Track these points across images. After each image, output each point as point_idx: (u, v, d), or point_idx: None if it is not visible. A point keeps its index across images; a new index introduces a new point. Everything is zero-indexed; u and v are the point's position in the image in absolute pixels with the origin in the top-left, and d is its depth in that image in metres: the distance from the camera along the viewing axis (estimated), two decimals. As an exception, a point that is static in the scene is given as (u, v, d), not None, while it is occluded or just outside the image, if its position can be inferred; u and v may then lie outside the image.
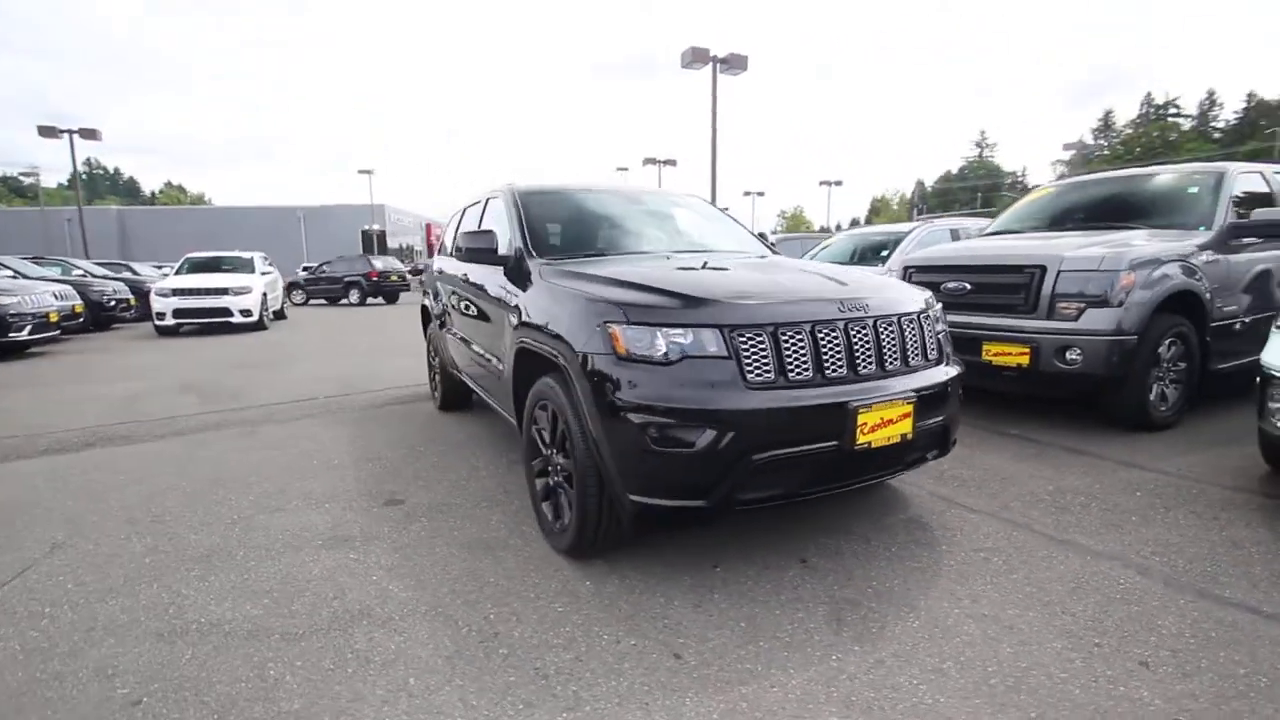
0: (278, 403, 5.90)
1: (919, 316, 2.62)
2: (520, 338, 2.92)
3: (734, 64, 15.89)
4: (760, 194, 54.22)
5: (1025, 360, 4.27)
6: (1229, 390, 4.84)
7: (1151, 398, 4.25)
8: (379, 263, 23.84)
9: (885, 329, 2.46)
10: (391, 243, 42.89)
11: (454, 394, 5.18)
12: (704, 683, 1.89)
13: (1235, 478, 3.41)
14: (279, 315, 15.48)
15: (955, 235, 7.73)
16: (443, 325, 4.90)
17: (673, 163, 30.27)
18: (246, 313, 12.40)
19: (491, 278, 3.57)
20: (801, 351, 2.27)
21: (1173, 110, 73.19)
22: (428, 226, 44.98)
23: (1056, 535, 2.82)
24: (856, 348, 2.37)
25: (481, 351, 3.77)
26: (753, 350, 2.22)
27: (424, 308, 5.69)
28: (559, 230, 3.55)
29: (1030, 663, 1.96)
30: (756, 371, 2.21)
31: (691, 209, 4.27)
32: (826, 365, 2.30)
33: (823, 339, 2.31)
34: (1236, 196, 4.79)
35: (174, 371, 7.93)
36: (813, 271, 2.92)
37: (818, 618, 2.22)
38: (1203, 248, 4.45)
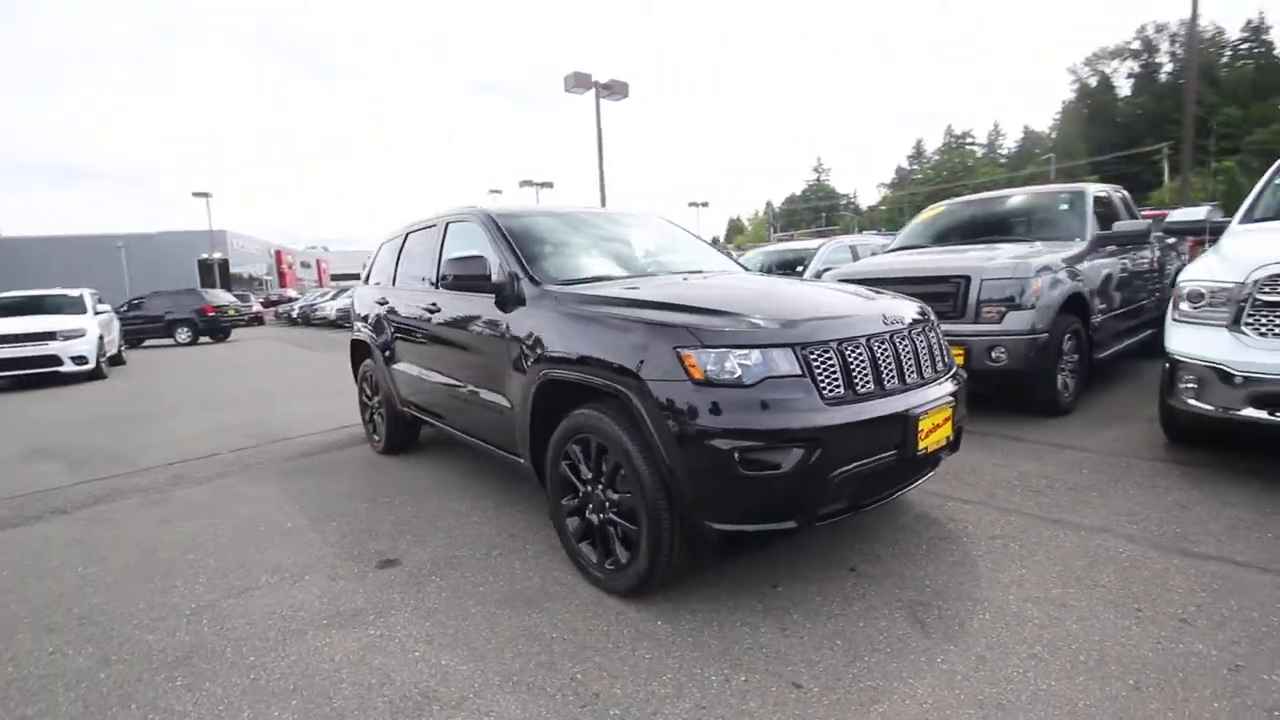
0: (176, 462, 5.05)
1: (933, 324, 2.82)
2: (544, 370, 2.74)
3: (616, 90, 16.27)
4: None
5: (960, 360, 4.72)
6: (1102, 376, 5.69)
7: (1059, 386, 4.88)
8: (214, 295, 21.46)
9: (918, 338, 2.61)
10: (237, 271, 38.60)
11: (401, 434, 4.74)
12: (838, 708, 1.86)
13: (1147, 450, 4.00)
14: (116, 360, 13.31)
15: (854, 250, 8.42)
16: (390, 360, 4.47)
17: (550, 185, 30.27)
18: (80, 360, 10.54)
19: (475, 307, 3.33)
20: (863, 365, 2.35)
21: (969, 140, 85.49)
22: (277, 254, 41.07)
23: (1047, 516, 3.13)
24: (903, 357, 2.49)
25: (462, 386, 3.49)
26: (824, 366, 2.26)
27: (356, 343, 5.17)
28: (549, 255, 3.40)
29: (1099, 634, 2.14)
30: (830, 387, 2.25)
31: (662, 229, 4.29)
32: (883, 377, 2.40)
33: (877, 351, 2.41)
34: (1096, 212, 5.69)
35: (10, 437, 6.53)
36: (835, 288, 3.04)
37: (900, 624, 2.28)
38: (1080, 256, 5.21)
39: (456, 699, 2.00)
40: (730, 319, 2.31)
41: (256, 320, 28.33)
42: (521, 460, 3.10)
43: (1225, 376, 3.32)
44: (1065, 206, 5.76)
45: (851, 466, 2.24)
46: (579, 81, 15.91)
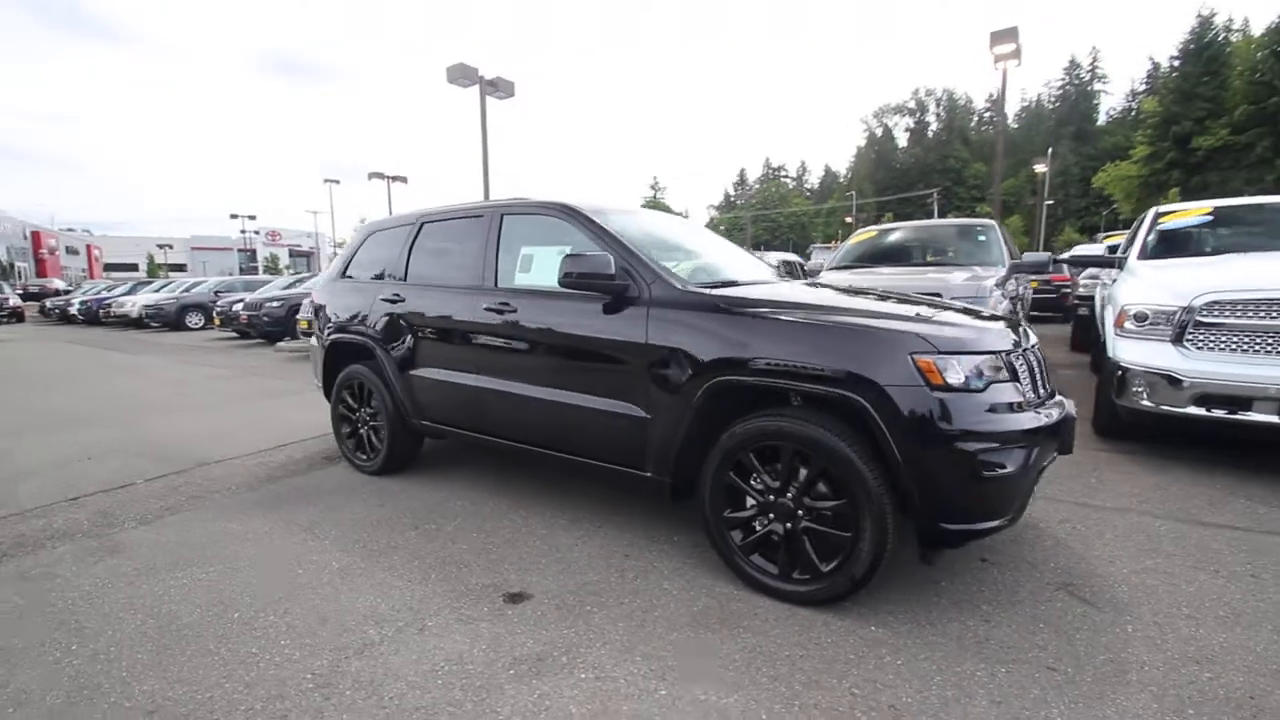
0: (80, 497, 3.89)
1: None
2: (716, 377, 2.61)
3: (502, 88, 15.65)
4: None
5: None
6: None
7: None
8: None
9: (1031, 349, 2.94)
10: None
11: (404, 451, 4.16)
12: (1099, 684, 2.04)
13: (1096, 442, 4.82)
14: None
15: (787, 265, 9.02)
16: (406, 367, 3.90)
17: (403, 179, 27.98)
18: None
19: (581, 310, 3.06)
20: (1026, 373, 2.59)
21: (783, 173, 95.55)
22: (35, 236, 33.01)
23: (1075, 501, 3.65)
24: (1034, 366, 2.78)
25: (557, 396, 3.15)
26: (1020, 373, 2.46)
27: (337, 348, 4.40)
28: (658, 255, 3.21)
29: (1213, 593, 2.57)
30: (1027, 392, 2.45)
31: (703, 232, 4.30)
32: (1038, 384, 2.66)
33: (1032, 360, 2.68)
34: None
35: None
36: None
37: (1073, 603, 2.53)
38: (1004, 280, 6.15)
39: (757, 733, 1.85)
40: (954, 327, 2.42)
41: (15, 316, 22.51)
42: (645, 473, 2.92)
43: (1173, 381, 4.14)
44: (982, 237, 6.77)
45: (1045, 464, 2.47)
46: (464, 74, 15.03)
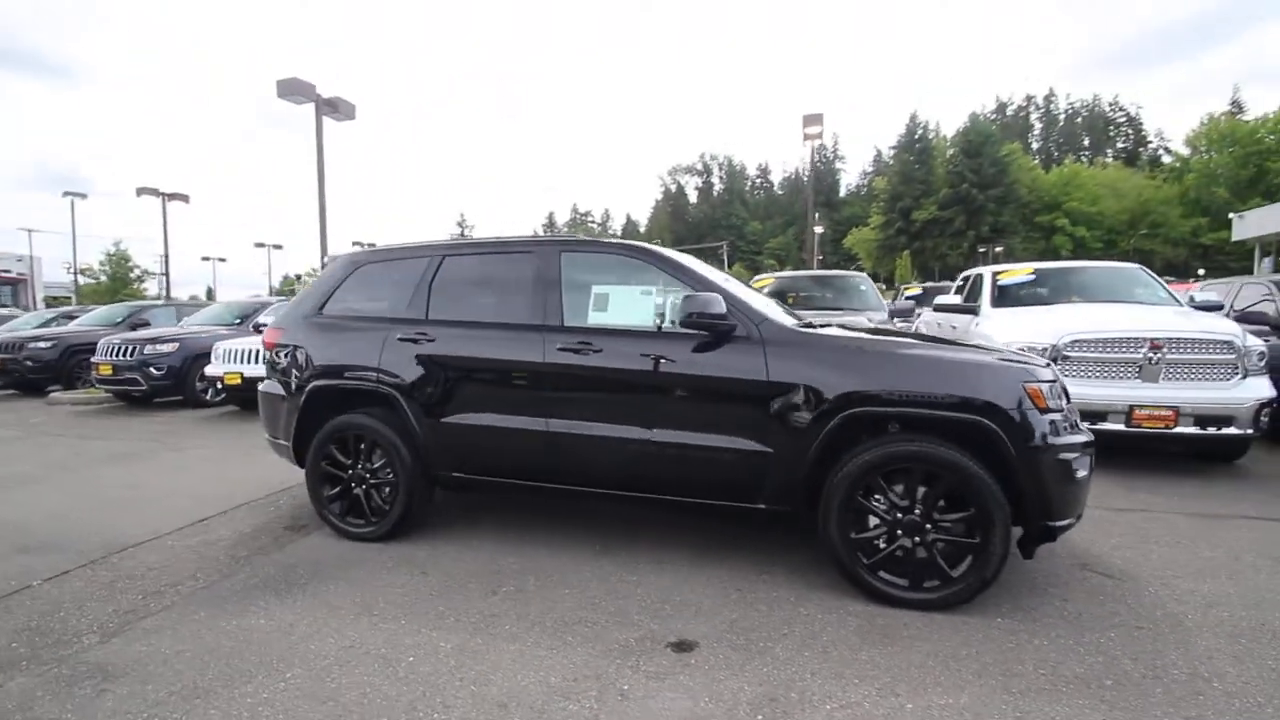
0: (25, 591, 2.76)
1: None
2: (850, 408, 2.83)
3: (342, 110, 14.34)
4: (278, 246, 48.73)
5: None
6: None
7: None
8: None
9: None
10: None
11: (419, 506, 3.67)
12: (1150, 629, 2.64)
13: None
14: None
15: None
16: (439, 414, 3.48)
17: (184, 198, 23.54)
18: None
19: (677, 349, 3.11)
20: (1058, 396, 3.25)
21: (589, 219, 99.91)
22: None
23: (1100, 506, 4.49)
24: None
25: (661, 436, 3.11)
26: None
27: (317, 393, 3.73)
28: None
29: (1201, 559, 3.38)
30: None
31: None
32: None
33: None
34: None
35: None
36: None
37: (1103, 576, 3.18)
38: (885, 322, 7.32)
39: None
40: (1032, 362, 2.95)
41: None
42: (756, 506, 3.03)
43: (1052, 402, 5.34)
44: (863, 287, 7.97)
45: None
46: (298, 89, 13.45)
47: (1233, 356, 4.94)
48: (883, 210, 63.04)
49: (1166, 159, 65.43)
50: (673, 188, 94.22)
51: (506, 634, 2.65)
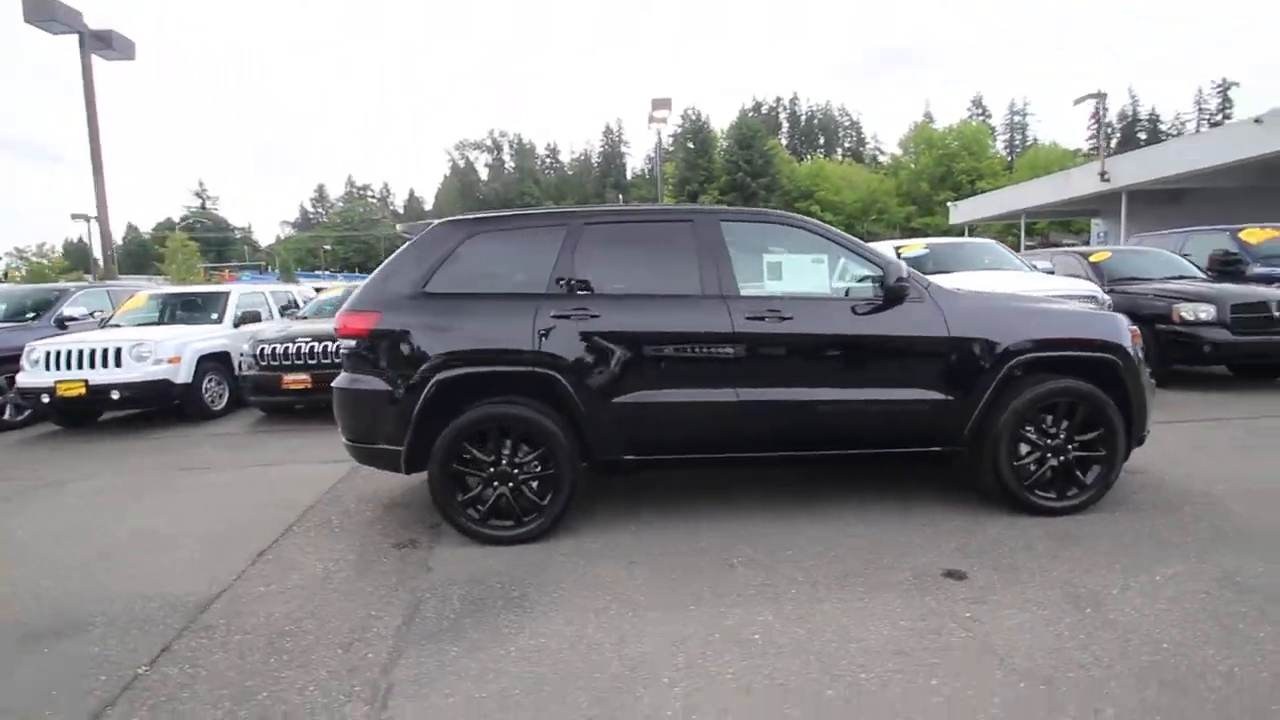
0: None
1: None
2: (1020, 355, 3.31)
3: (119, 48, 11.16)
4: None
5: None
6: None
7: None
8: None
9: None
10: None
11: (577, 493, 3.37)
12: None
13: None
14: None
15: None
16: (609, 394, 3.22)
17: None
18: None
19: (861, 314, 3.34)
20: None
21: (368, 193, 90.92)
22: None
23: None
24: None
25: (855, 396, 3.32)
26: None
27: (444, 384, 3.16)
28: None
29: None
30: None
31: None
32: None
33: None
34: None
35: None
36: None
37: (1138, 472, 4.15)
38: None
39: None
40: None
41: None
42: (935, 449, 3.42)
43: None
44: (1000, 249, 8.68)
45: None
46: (62, 16, 10.07)
47: (1095, 305, 6.57)
48: (673, 193, 67.40)
49: (882, 158, 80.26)
50: (461, 163, 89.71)
51: (800, 598, 2.67)
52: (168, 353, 6.65)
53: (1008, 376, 3.35)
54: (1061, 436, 3.43)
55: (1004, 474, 3.41)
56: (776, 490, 3.94)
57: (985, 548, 3.08)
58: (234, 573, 3.09)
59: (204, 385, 7.07)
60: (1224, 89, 69.50)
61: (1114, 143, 63.07)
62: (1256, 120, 15.83)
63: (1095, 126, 69.42)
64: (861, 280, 3.49)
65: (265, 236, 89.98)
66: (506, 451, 3.26)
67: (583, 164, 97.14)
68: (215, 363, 7.30)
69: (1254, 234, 8.65)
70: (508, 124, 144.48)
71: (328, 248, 68.24)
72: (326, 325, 6.99)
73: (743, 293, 3.38)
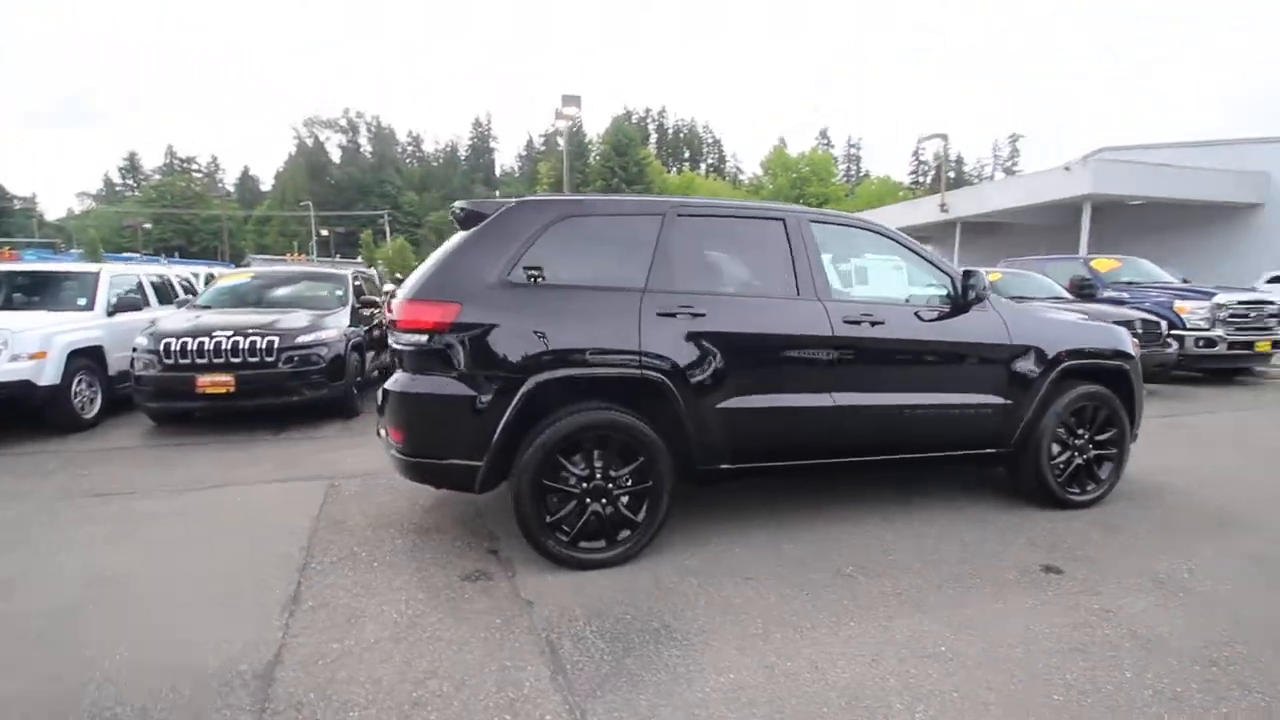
0: None
1: None
2: (1066, 361, 3.62)
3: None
4: None
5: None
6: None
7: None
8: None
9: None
10: None
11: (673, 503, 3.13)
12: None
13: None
14: None
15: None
16: (713, 399, 3.00)
17: None
18: None
19: (932, 320, 3.47)
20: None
21: (193, 166, 79.50)
22: None
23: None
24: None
25: (935, 400, 3.44)
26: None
27: (540, 388, 2.75)
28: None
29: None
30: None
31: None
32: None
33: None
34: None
35: None
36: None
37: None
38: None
39: None
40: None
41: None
42: (991, 450, 3.64)
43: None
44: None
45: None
46: None
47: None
48: (549, 190, 66.56)
49: (742, 177, 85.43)
50: (310, 142, 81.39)
51: (943, 603, 2.69)
52: (30, 346, 5.23)
53: (1055, 382, 3.65)
54: (1085, 437, 3.79)
55: (1044, 472, 3.70)
56: (818, 497, 3.92)
57: (1054, 542, 3.31)
58: (275, 627, 2.47)
59: (73, 387, 5.67)
60: (1014, 140, 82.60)
61: (930, 179, 72.77)
62: (1066, 168, 19.08)
63: (916, 164, 79.95)
64: (929, 286, 3.62)
65: (55, 209, 75.45)
66: (599, 464, 2.94)
67: (449, 155, 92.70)
68: (86, 359, 5.88)
69: (1102, 263, 10.28)
70: (365, 105, 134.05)
71: (148, 226, 58.59)
72: (251, 317, 5.95)
73: (836, 296, 3.36)
